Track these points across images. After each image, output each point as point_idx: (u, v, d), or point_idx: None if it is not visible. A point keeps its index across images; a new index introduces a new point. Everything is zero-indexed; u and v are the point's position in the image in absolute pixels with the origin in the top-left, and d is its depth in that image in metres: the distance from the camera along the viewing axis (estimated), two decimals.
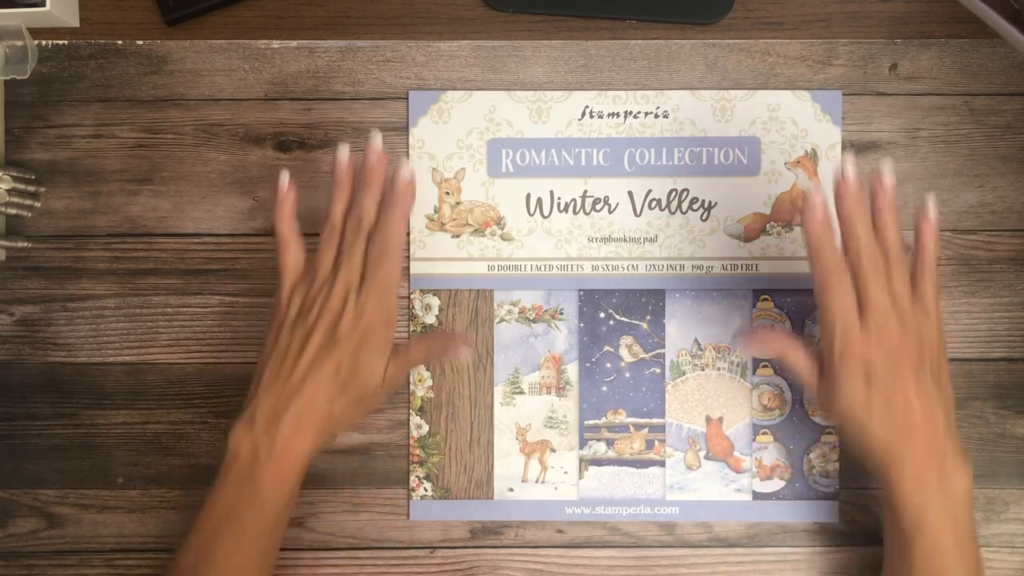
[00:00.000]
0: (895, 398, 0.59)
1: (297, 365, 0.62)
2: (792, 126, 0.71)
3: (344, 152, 0.65)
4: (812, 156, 0.71)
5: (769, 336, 0.67)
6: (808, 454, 0.71)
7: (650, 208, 0.71)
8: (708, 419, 0.71)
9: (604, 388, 0.71)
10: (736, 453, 0.71)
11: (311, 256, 0.65)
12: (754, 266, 0.71)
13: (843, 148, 0.71)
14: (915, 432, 0.59)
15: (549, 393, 0.71)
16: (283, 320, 0.64)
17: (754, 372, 0.71)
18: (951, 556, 0.59)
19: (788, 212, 0.71)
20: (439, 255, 0.71)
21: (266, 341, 0.64)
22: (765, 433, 0.71)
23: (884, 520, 0.65)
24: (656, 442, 0.71)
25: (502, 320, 0.71)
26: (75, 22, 0.71)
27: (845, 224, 0.60)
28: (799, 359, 0.63)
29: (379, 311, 0.62)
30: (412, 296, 0.71)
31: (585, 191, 0.71)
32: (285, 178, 0.65)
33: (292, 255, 0.65)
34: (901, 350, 0.60)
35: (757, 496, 0.71)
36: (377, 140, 0.64)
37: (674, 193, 0.71)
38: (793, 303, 0.71)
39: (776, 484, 0.71)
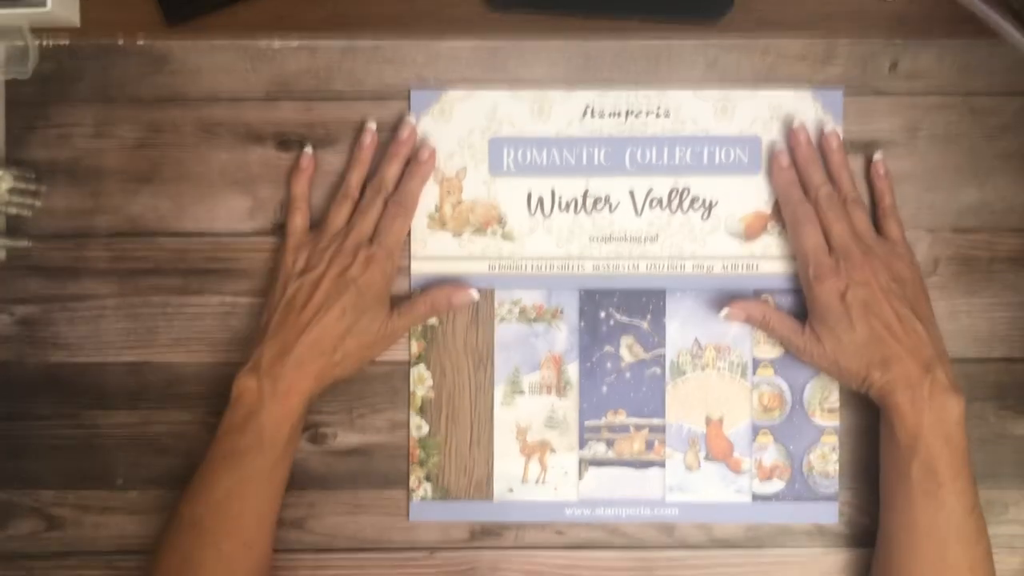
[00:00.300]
0: (873, 309, 0.64)
1: (304, 309, 0.66)
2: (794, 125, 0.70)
3: (372, 126, 0.70)
4: None
5: (751, 303, 0.69)
6: (808, 455, 0.71)
7: (651, 207, 0.71)
8: (708, 419, 0.71)
9: (604, 388, 0.71)
10: (736, 454, 0.71)
11: (316, 223, 0.70)
12: (755, 266, 0.71)
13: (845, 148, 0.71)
14: (900, 343, 0.64)
15: (549, 393, 0.71)
16: (289, 273, 0.68)
17: (754, 372, 0.71)
18: (946, 475, 0.63)
19: None
20: (440, 254, 0.71)
21: (271, 295, 0.68)
22: (765, 434, 0.71)
23: (882, 443, 0.67)
24: (656, 443, 0.71)
25: (503, 319, 0.71)
26: (76, 22, 0.71)
27: (801, 171, 0.69)
28: (781, 318, 0.68)
29: (387, 263, 0.68)
30: (413, 295, 0.71)
31: (586, 190, 0.71)
32: (310, 150, 0.70)
33: (301, 216, 0.70)
34: (869, 275, 0.65)
35: (757, 497, 0.71)
36: (412, 118, 0.70)
37: (675, 192, 0.71)
38: (793, 302, 0.71)
39: (776, 485, 0.71)
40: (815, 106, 0.71)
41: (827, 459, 0.71)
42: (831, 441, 0.71)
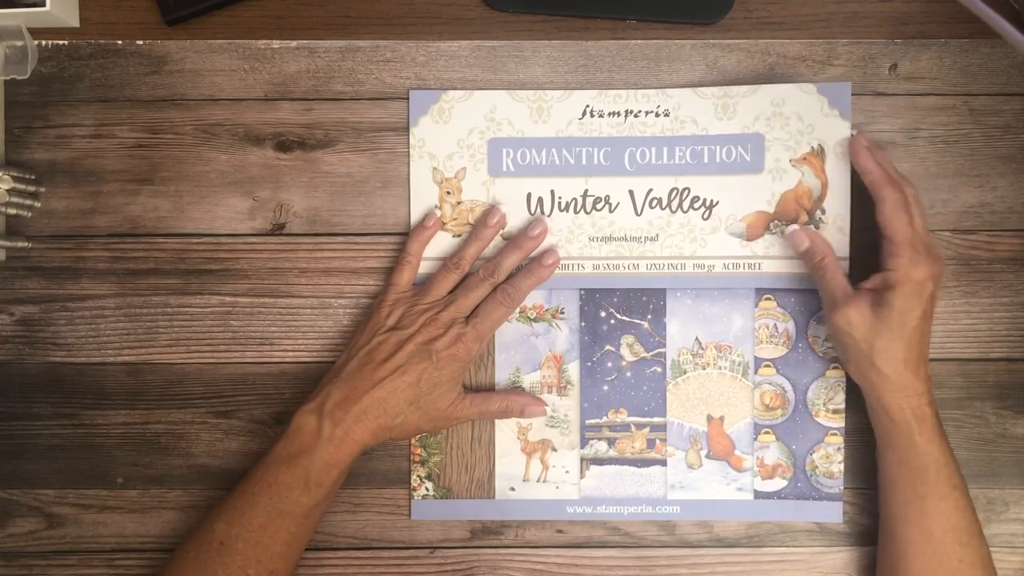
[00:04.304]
0: (932, 311, 0.65)
1: (382, 366, 0.66)
2: (797, 121, 0.70)
3: (503, 210, 0.70)
4: (819, 152, 0.70)
5: (820, 238, 0.68)
6: (811, 454, 0.71)
7: (651, 207, 0.71)
8: (709, 418, 0.71)
9: (605, 387, 0.71)
10: (737, 452, 0.71)
11: (421, 282, 0.70)
12: (757, 265, 0.70)
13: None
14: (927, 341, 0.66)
15: (550, 392, 0.71)
16: (379, 324, 0.68)
17: (756, 371, 0.71)
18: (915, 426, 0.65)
19: (793, 210, 0.70)
20: (440, 254, 0.71)
21: (355, 339, 0.69)
22: (767, 432, 0.71)
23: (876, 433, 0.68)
24: (657, 441, 0.71)
25: None
26: (75, 22, 0.71)
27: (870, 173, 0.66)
28: (838, 268, 0.67)
29: (475, 345, 0.67)
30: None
31: (586, 190, 0.71)
32: (436, 214, 0.71)
33: (408, 273, 0.70)
34: (941, 277, 0.65)
35: (759, 495, 0.71)
36: (544, 220, 0.70)
37: (675, 192, 0.71)
38: (797, 303, 0.70)
39: (778, 483, 0.71)
40: (821, 101, 0.70)
41: (831, 459, 0.71)
42: (835, 442, 0.71)
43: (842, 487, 0.71)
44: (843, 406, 0.71)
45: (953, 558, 0.64)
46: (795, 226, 0.68)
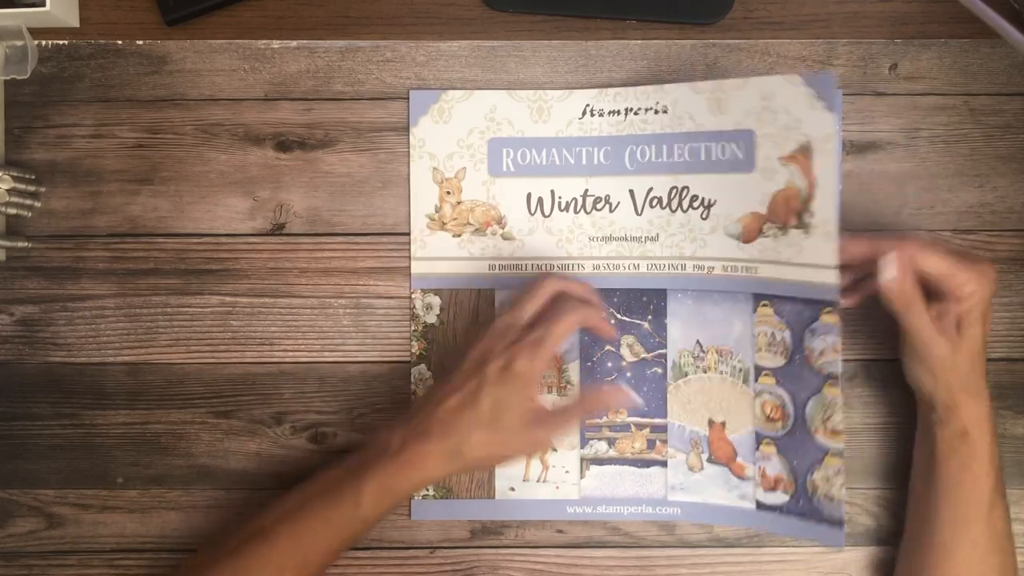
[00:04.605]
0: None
1: (449, 385, 0.64)
2: (785, 115, 0.66)
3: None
4: (806, 151, 0.65)
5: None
6: (811, 474, 0.67)
7: (651, 207, 0.71)
8: (711, 422, 0.70)
9: (605, 387, 0.71)
10: (739, 459, 0.70)
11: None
12: (754, 269, 0.68)
13: (842, 146, 0.70)
14: None
15: (550, 392, 0.71)
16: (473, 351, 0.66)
17: (756, 379, 0.69)
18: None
19: (783, 212, 0.67)
20: (440, 255, 0.71)
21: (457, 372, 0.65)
22: (768, 444, 0.69)
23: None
24: (657, 442, 0.71)
25: None
26: (75, 22, 0.71)
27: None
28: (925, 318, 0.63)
29: (534, 363, 0.63)
30: (413, 296, 0.71)
31: (586, 190, 0.71)
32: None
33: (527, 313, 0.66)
34: None
35: (761, 506, 0.69)
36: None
37: (675, 191, 0.70)
38: (792, 312, 0.67)
39: (780, 497, 0.68)
40: (807, 93, 0.65)
41: (831, 483, 0.66)
42: (835, 464, 0.66)
43: (843, 513, 0.66)
44: (842, 427, 0.66)
45: (995, 566, 0.64)
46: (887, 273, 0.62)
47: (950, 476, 0.65)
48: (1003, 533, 0.65)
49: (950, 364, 0.63)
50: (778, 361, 0.68)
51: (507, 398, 0.63)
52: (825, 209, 0.65)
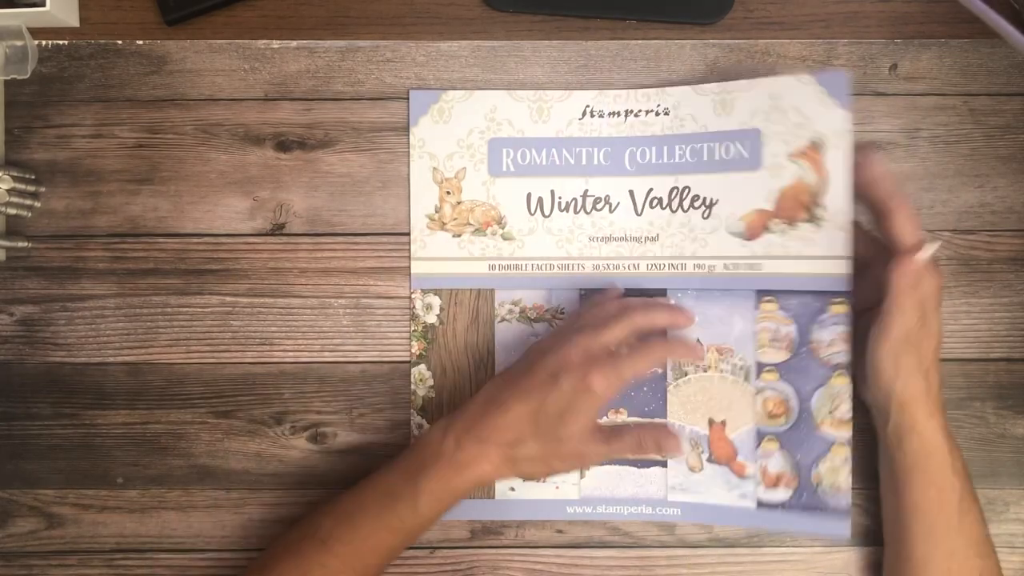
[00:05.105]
0: None
1: (515, 388, 0.63)
2: (795, 114, 0.67)
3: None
4: (818, 146, 0.67)
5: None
6: (817, 466, 0.68)
7: (651, 207, 0.71)
8: (711, 422, 0.70)
9: None
10: (740, 458, 0.70)
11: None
12: (757, 265, 0.69)
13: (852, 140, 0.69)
14: None
15: None
16: (538, 347, 0.66)
17: (757, 376, 0.69)
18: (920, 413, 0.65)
19: (792, 207, 0.68)
20: (440, 255, 0.71)
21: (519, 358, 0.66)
22: (771, 440, 0.69)
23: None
24: None
25: (503, 320, 0.71)
26: (75, 22, 0.71)
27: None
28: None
29: (610, 382, 0.63)
30: (413, 296, 0.71)
31: (586, 190, 0.71)
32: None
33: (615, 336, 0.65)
34: None
35: (762, 504, 0.69)
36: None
37: (675, 191, 0.70)
38: (799, 305, 0.68)
39: (782, 494, 0.69)
40: (819, 92, 0.67)
41: (838, 472, 0.68)
42: (842, 453, 0.68)
43: (850, 502, 0.68)
44: (849, 416, 0.68)
45: (975, 571, 0.64)
46: (932, 247, 0.63)
47: (916, 493, 0.65)
48: (979, 538, 0.65)
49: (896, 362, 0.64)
50: (782, 356, 0.69)
51: (574, 414, 0.62)
52: (837, 201, 0.66)
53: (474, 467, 0.63)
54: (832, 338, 0.67)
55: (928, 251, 0.61)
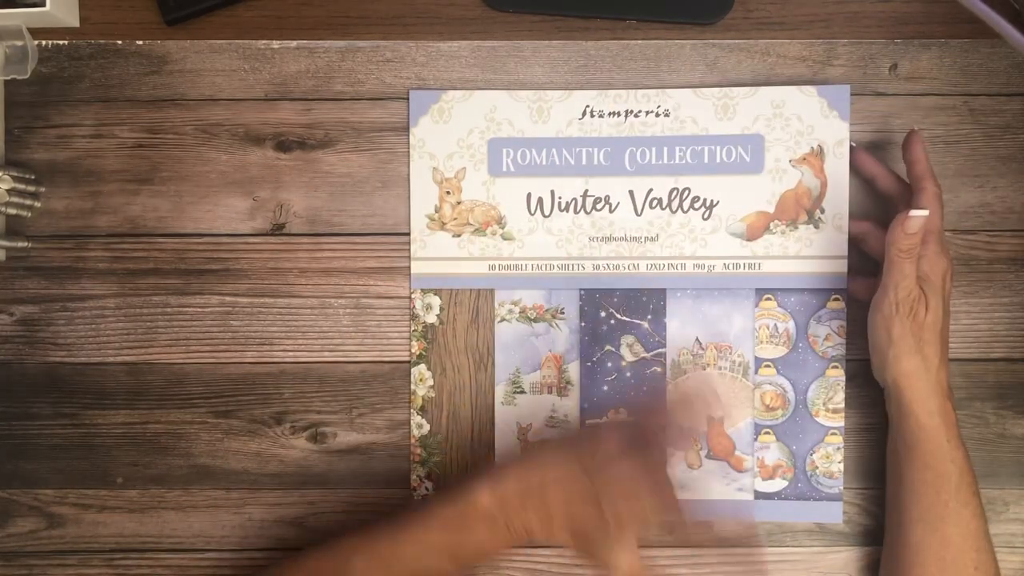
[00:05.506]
0: None
1: (554, 471, 0.62)
2: (797, 122, 0.70)
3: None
4: (818, 153, 0.70)
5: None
6: (811, 455, 0.71)
7: (651, 207, 0.71)
8: (709, 419, 0.71)
9: (605, 387, 0.71)
10: (738, 452, 0.71)
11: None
12: (757, 265, 0.70)
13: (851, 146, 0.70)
14: None
15: (550, 392, 0.71)
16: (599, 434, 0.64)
17: (756, 371, 0.71)
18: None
19: (793, 210, 0.70)
20: (440, 255, 0.71)
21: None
22: (767, 433, 0.71)
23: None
24: None
25: (503, 320, 0.71)
26: (75, 22, 0.71)
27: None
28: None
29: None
30: (413, 296, 0.71)
31: (586, 190, 0.71)
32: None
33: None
34: None
35: (759, 495, 0.71)
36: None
37: (675, 192, 0.71)
38: (797, 302, 0.70)
39: (778, 484, 0.71)
40: (820, 103, 0.70)
41: (831, 459, 0.71)
42: (835, 441, 0.71)
43: (842, 487, 0.71)
44: (843, 405, 0.71)
45: (970, 565, 0.64)
46: (919, 213, 0.62)
47: (914, 474, 0.65)
48: (977, 532, 0.65)
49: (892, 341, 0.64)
50: (780, 351, 0.71)
51: (606, 507, 0.61)
52: (837, 204, 0.70)
53: (521, 530, 0.61)
54: (828, 332, 0.71)
55: (918, 214, 0.62)
